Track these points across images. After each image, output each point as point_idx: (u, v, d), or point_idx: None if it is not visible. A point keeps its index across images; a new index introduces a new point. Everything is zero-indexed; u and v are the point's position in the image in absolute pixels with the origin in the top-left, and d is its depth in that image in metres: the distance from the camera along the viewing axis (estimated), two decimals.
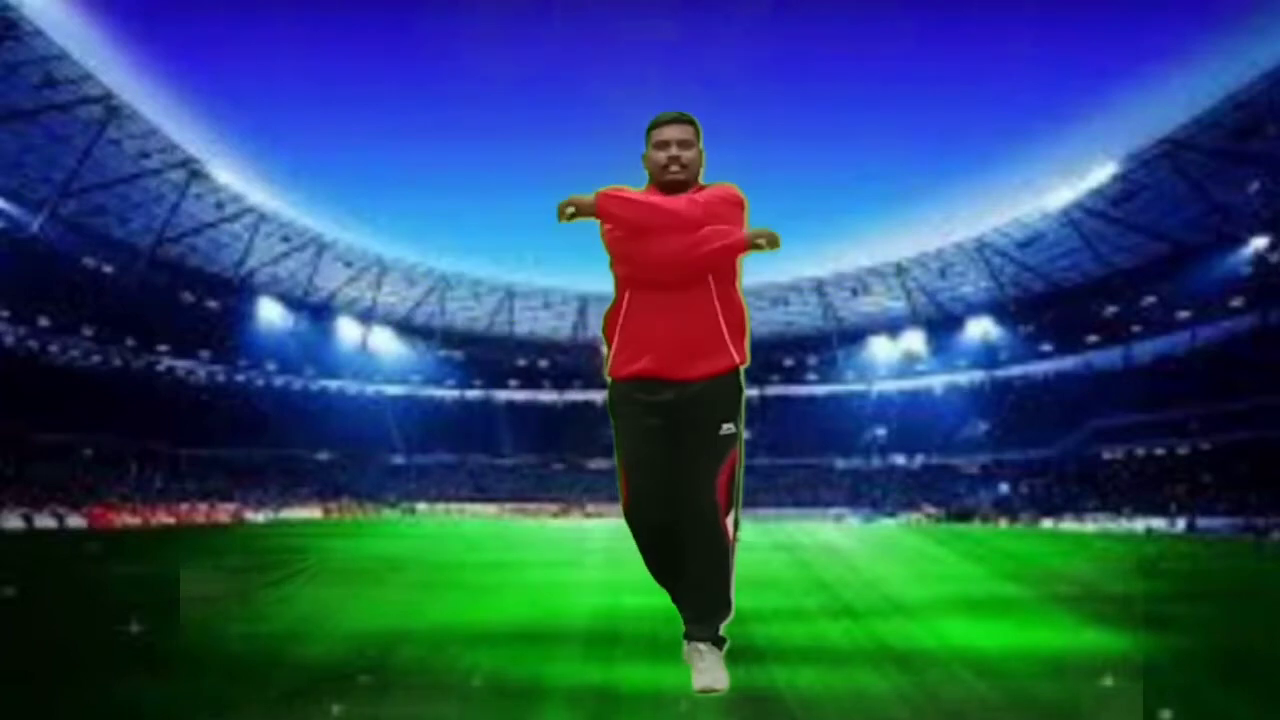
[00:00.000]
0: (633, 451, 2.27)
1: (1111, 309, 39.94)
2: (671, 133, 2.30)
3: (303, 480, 39.91)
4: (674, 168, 2.28)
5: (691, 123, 2.33)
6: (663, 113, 2.33)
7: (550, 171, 59.94)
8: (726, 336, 2.26)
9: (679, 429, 2.24)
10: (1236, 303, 33.91)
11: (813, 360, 52.11)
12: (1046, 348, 43.84)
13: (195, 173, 36.01)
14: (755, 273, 48.92)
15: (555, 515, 40.31)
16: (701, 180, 2.36)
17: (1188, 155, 30.97)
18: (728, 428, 2.25)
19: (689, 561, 2.28)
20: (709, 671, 2.21)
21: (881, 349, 50.39)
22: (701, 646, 2.24)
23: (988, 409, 44.51)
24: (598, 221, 2.22)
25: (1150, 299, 38.03)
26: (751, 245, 2.20)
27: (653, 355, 2.23)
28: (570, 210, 2.15)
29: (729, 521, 2.30)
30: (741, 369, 2.30)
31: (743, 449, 2.32)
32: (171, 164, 35.12)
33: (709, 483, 2.25)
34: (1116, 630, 6.64)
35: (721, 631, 2.31)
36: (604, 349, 2.37)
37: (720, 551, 2.27)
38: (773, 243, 2.18)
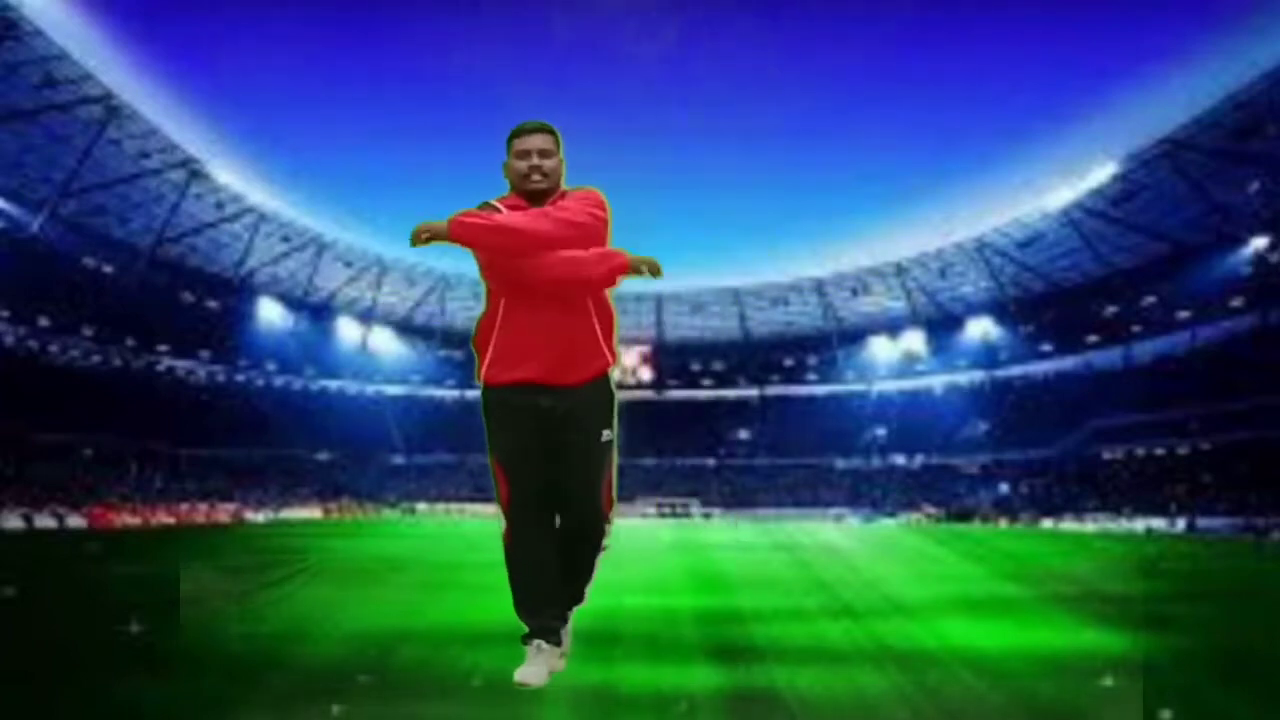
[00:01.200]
0: (513, 455, 2.34)
1: (1111, 309, 39.95)
2: (533, 142, 2.34)
3: (303, 480, 39.91)
4: (535, 176, 2.33)
5: (552, 132, 2.38)
6: (524, 122, 2.38)
7: None
8: (600, 339, 2.33)
9: (560, 435, 2.30)
10: (1236, 303, 33.91)
11: (813, 360, 52.12)
12: (1046, 348, 43.84)
13: (195, 173, 36.02)
14: (755, 273, 49.01)
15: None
16: (564, 185, 2.40)
17: (1188, 155, 30.97)
18: (606, 434, 2.35)
19: (574, 564, 2.42)
20: (529, 667, 2.33)
21: (881, 349, 50.39)
22: (544, 644, 2.35)
23: (988, 409, 44.52)
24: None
25: (1150, 299, 38.04)
26: (634, 271, 2.27)
27: (533, 362, 2.28)
28: (425, 236, 2.17)
29: (608, 529, 2.44)
30: (613, 371, 2.38)
31: (617, 451, 2.42)
32: (171, 164, 35.13)
33: (595, 492, 2.36)
34: (1116, 630, 6.64)
35: (568, 625, 2.50)
36: (476, 356, 2.41)
37: (596, 554, 2.46)
38: (654, 271, 2.28)
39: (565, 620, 2.45)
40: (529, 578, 2.39)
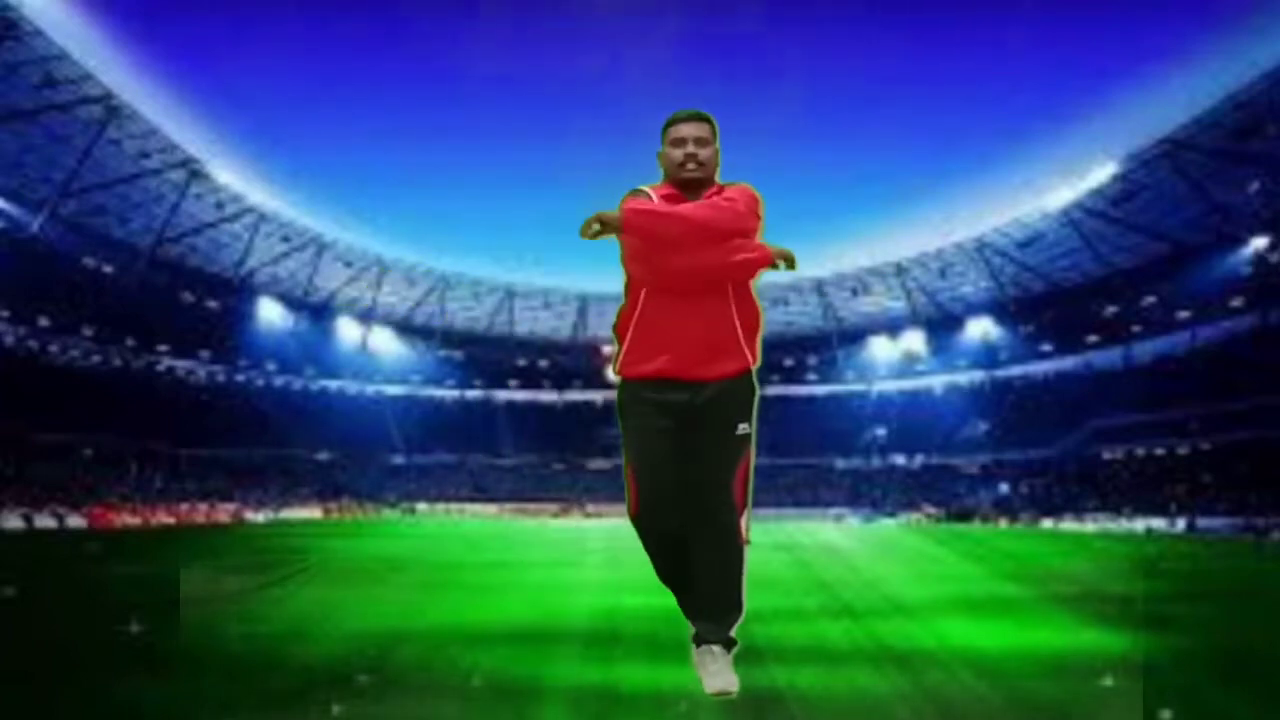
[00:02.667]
0: (644, 453, 2.24)
1: (1111, 309, 39.93)
2: (688, 130, 2.28)
3: (303, 480, 39.91)
4: (690, 165, 2.27)
5: (708, 120, 2.31)
6: (679, 110, 2.31)
7: (550, 171, 60.03)
8: (741, 339, 2.25)
9: (693, 430, 2.21)
10: (1236, 303, 33.90)
11: (813, 360, 52.10)
12: (1046, 348, 43.83)
13: (195, 173, 36.01)
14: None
15: (555, 515, 40.31)
16: (718, 178, 2.34)
17: (1188, 155, 30.97)
18: (743, 427, 2.25)
19: (704, 563, 2.25)
20: (721, 674, 2.17)
21: (881, 349, 50.39)
22: (715, 649, 2.21)
23: (988, 409, 44.51)
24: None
25: (1150, 299, 38.03)
26: (773, 264, 2.21)
27: (668, 356, 2.21)
28: (595, 228, 2.08)
29: (743, 522, 2.29)
30: (754, 369, 2.29)
31: (755, 450, 2.31)
32: (171, 164, 35.12)
33: (727, 483, 2.24)
34: (1116, 630, 6.64)
35: (732, 634, 2.28)
36: (614, 347, 2.33)
37: (735, 553, 2.26)
38: (790, 264, 2.22)
39: (718, 624, 2.25)
40: (671, 584, 2.32)
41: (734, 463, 2.25)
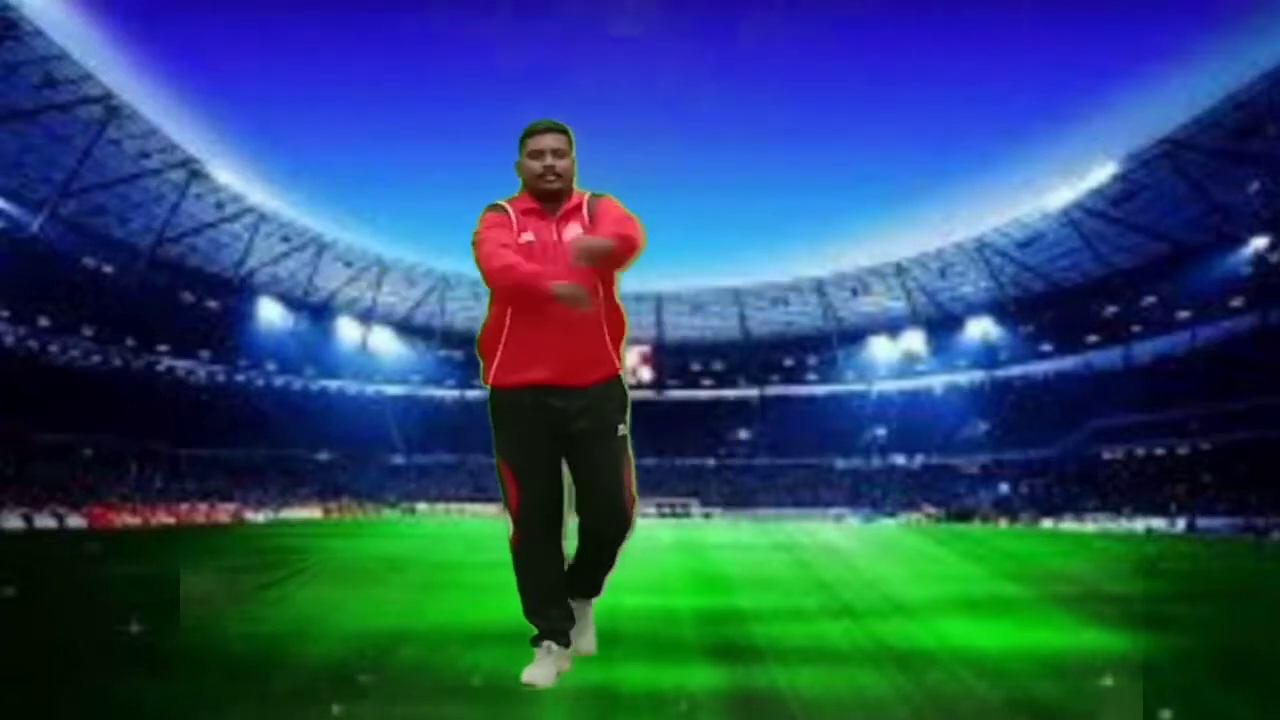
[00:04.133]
0: (523, 458, 2.32)
1: (1111, 309, 39.95)
2: (546, 142, 2.33)
3: (303, 480, 39.91)
4: (550, 176, 2.32)
5: (565, 132, 2.37)
6: (536, 121, 2.37)
7: None
8: (610, 347, 2.33)
9: (575, 431, 2.30)
10: (1236, 303, 33.91)
11: (813, 360, 52.10)
12: (1046, 348, 43.85)
13: (195, 173, 36.02)
14: (755, 273, 49.06)
15: None
16: (575, 186, 2.40)
17: (1188, 155, 30.97)
18: (622, 429, 2.35)
19: (595, 558, 2.42)
20: (539, 666, 2.35)
21: (881, 349, 50.39)
22: (552, 644, 2.37)
23: (988, 409, 44.51)
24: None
25: (1150, 299, 38.04)
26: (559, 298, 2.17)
27: (542, 365, 2.27)
28: (591, 257, 2.12)
29: (632, 519, 2.42)
30: (623, 375, 2.38)
31: (631, 448, 2.41)
32: (171, 164, 35.13)
33: (619, 480, 2.33)
34: (1116, 630, 6.64)
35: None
36: (481, 361, 2.39)
37: (619, 548, 2.43)
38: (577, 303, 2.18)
39: (573, 621, 2.45)
40: (537, 581, 2.39)
41: (620, 460, 2.34)
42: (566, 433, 2.29)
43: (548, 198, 2.34)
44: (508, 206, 2.35)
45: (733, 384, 52.32)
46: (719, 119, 59.39)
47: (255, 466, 38.59)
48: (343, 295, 49.00)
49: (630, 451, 2.39)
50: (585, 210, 2.35)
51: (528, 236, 2.30)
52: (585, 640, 2.52)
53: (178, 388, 41.08)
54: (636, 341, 50.98)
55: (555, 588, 2.41)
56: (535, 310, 2.24)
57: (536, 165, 2.33)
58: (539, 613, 2.39)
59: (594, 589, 2.52)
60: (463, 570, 11.51)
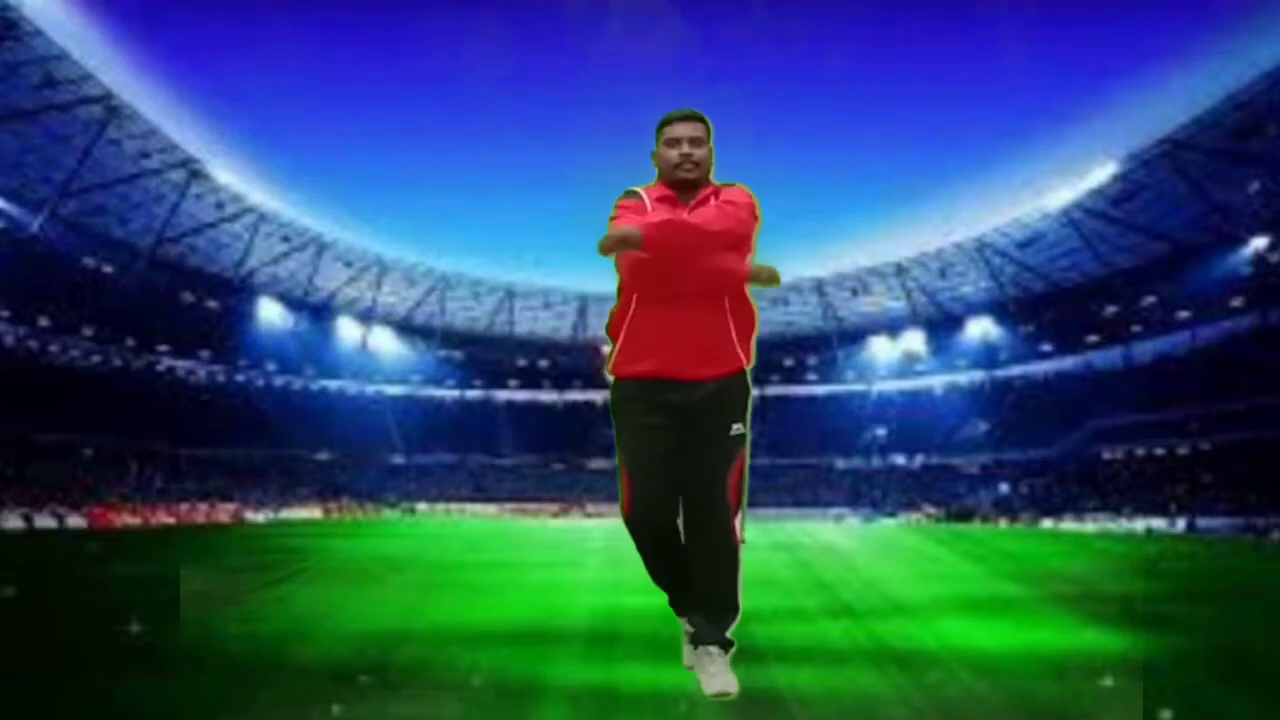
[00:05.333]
0: (637, 452, 2.23)
1: (1111, 309, 39.93)
2: (683, 130, 2.27)
3: (303, 480, 39.90)
4: (686, 166, 2.26)
5: (703, 120, 2.30)
6: (674, 110, 2.30)
7: (550, 171, 60.02)
8: (735, 341, 2.25)
9: (687, 429, 2.22)
10: (1236, 303, 33.90)
11: (813, 360, 52.10)
12: (1046, 348, 43.83)
13: (195, 173, 36.00)
14: None
15: (555, 515, 40.31)
16: (712, 178, 2.33)
17: (1188, 155, 30.96)
18: (737, 428, 2.24)
19: (701, 563, 2.26)
20: (720, 676, 2.18)
21: (881, 349, 50.39)
22: (713, 650, 2.22)
23: (988, 409, 44.51)
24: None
25: (1150, 299, 38.02)
26: (753, 280, 2.21)
27: (660, 356, 2.20)
28: (617, 243, 2.05)
29: (737, 522, 2.28)
30: (748, 370, 2.29)
31: (749, 450, 2.30)
32: (171, 164, 35.12)
33: (720, 483, 2.23)
34: (1116, 630, 6.64)
35: (729, 634, 2.28)
36: (607, 347, 2.33)
37: (731, 553, 2.26)
38: (772, 280, 2.21)
39: (715, 625, 2.27)
40: (664, 584, 2.32)
41: (729, 462, 2.24)
42: (682, 425, 2.21)
43: (683, 187, 2.27)
44: (642, 192, 2.29)
45: None
46: (718, 119, 59.23)
47: (255, 466, 38.59)
48: (343, 295, 48.99)
49: (746, 452, 2.28)
50: (714, 202, 2.27)
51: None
52: (722, 680, 2.19)
53: (178, 388, 41.08)
54: None
55: (685, 581, 2.30)
56: (661, 298, 2.18)
57: (673, 154, 2.26)
58: (680, 608, 2.32)
59: (705, 622, 2.24)
60: (463, 570, 11.51)
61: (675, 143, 2.27)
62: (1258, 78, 27.22)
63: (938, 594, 9.08)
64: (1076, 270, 40.52)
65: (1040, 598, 8.86)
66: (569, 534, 24.12)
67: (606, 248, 2.06)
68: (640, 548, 2.29)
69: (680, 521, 2.27)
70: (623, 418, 2.27)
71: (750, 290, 2.29)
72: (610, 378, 2.31)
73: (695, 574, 2.27)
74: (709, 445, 2.22)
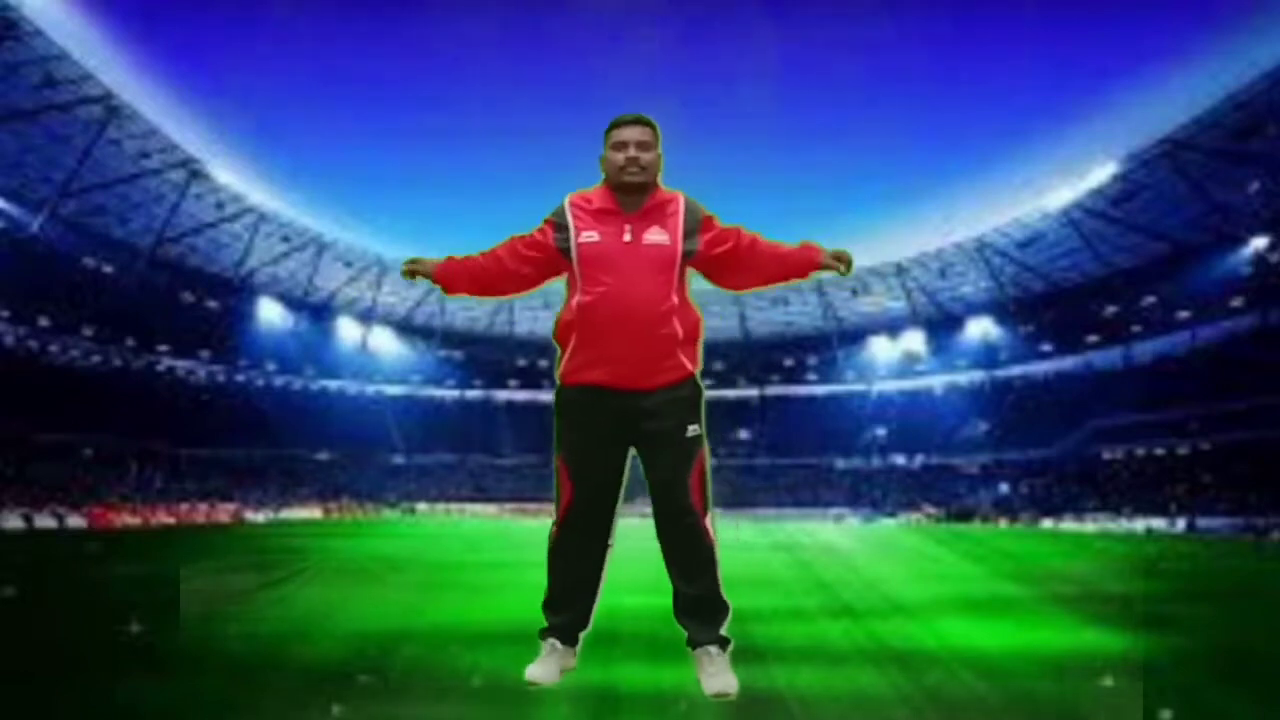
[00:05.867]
0: (582, 459, 2.27)
1: (1111, 309, 39.94)
2: (630, 134, 2.29)
3: (303, 480, 39.91)
4: (632, 169, 2.28)
5: (650, 125, 2.33)
6: (621, 114, 2.33)
7: (550, 171, 59.94)
8: (682, 348, 2.27)
9: (639, 438, 2.25)
10: (1236, 303, 33.90)
11: (813, 360, 52.11)
12: (1046, 348, 43.84)
13: (195, 173, 36.01)
14: None
15: None
16: (660, 182, 2.35)
17: (1188, 155, 30.96)
18: (693, 429, 2.26)
19: (680, 566, 2.30)
20: (719, 675, 2.22)
21: (881, 349, 50.40)
22: (712, 650, 2.25)
23: (988, 409, 44.51)
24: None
25: (1150, 299, 38.03)
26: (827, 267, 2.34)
27: (609, 365, 2.22)
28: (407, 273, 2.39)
29: (708, 523, 2.30)
30: (697, 374, 2.31)
31: (708, 451, 2.32)
32: (171, 164, 35.12)
33: (683, 485, 2.25)
34: (1116, 630, 6.64)
35: (724, 632, 2.30)
36: (557, 351, 2.36)
37: (708, 552, 2.30)
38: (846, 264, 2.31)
39: (586, 625, 2.40)
40: (564, 575, 2.36)
41: (689, 464, 2.26)
42: (634, 435, 2.25)
43: (630, 190, 2.29)
44: (568, 210, 2.31)
45: (733, 384, 52.30)
46: (718, 119, 59.38)
47: (255, 466, 38.60)
48: (343, 295, 49.00)
49: (705, 453, 2.30)
50: (682, 218, 2.29)
51: (589, 236, 2.26)
52: (722, 680, 2.24)
53: (178, 388, 41.08)
54: None
55: (579, 587, 2.36)
56: (607, 304, 2.22)
57: (619, 157, 2.28)
58: (553, 607, 2.36)
59: (697, 624, 2.30)
60: (463, 570, 11.51)
61: (622, 146, 2.28)
62: (1258, 78, 27.21)
63: (938, 594, 9.08)
64: (1076, 270, 40.53)
65: (1040, 598, 8.85)
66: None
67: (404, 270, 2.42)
68: (563, 554, 2.34)
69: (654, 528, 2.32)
70: (569, 424, 2.30)
71: (691, 296, 2.34)
72: (559, 382, 2.33)
73: (678, 577, 2.31)
74: (666, 449, 2.25)
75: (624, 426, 2.24)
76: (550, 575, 2.38)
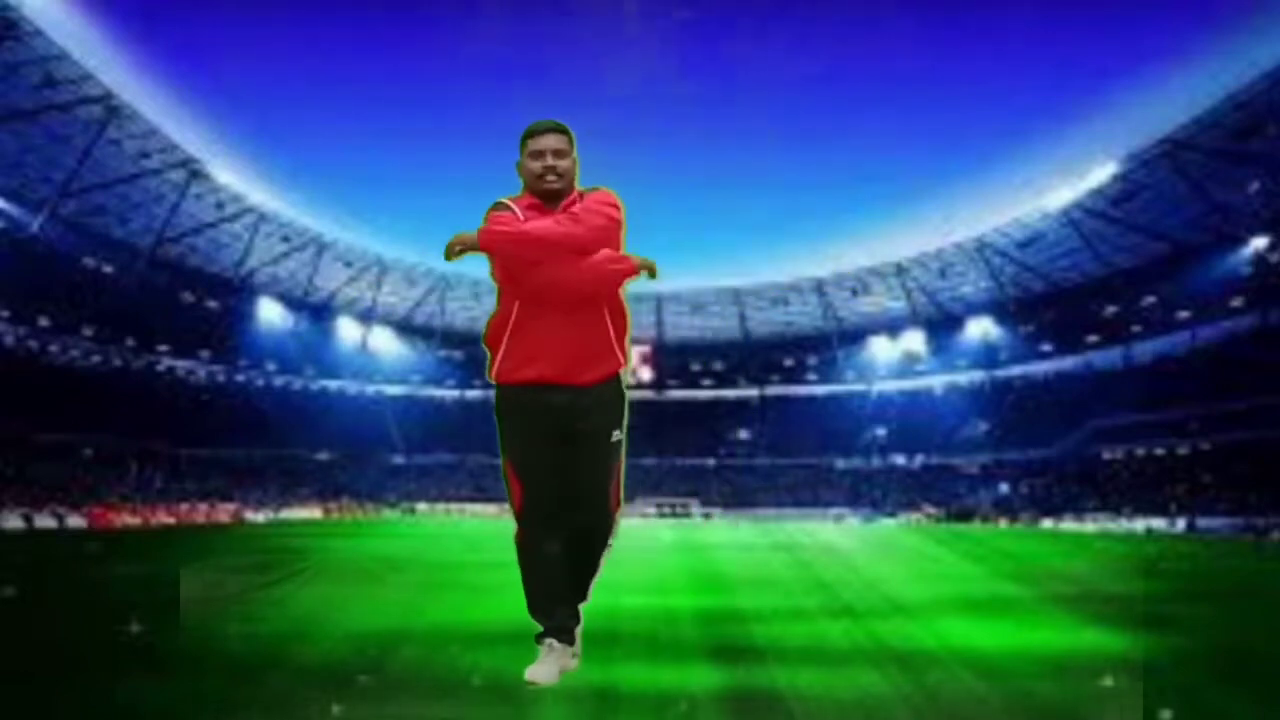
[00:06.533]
0: (527, 455, 2.34)
1: (1111, 309, 39.95)
2: (547, 142, 2.35)
3: (303, 480, 39.91)
4: (550, 177, 2.33)
5: (566, 132, 2.38)
6: (537, 122, 2.38)
7: None
8: (614, 342, 2.34)
9: (571, 433, 2.32)
10: (1236, 303, 33.91)
11: (813, 360, 52.11)
12: (1046, 348, 43.84)
13: (195, 173, 36.01)
14: (755, 273, 49.02)
15: None
16: (577, 185, 2.40)
17: (1188, 155, 30.97)
18: (616, 434, 2.38)
19: (578, 563, 2.43)
20: (542, 665, 2.34)
21: (881, 349, 50.39)
22: (554, 642, 2.36)
23: (988, 409, 44.51)
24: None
25: (1150, 299, 38.03)
26: (636, 274, 2.32)
27: (544, 362, 2.28)
28: (458, 249, 2.23)
29: (613, 536, 2.48)
30: (624, 371, 2.40)
31: (625, 452, 2.44)
32: (171, 164, 35.13)
33: (604, 493, 2.39)
34: (1116, 630, 6.64)
35: (576, 633, 2.48)
36: (488, 354, 2.40)
37: (603, 552, 2.48)
38: (651, 272, 2.33)
39: (578, 619, 2.46)
40: (542, 578, 2.41)
41: (612, 473, 2.40)
42: (567, 431, 2.32)
43: (549, 197, 2.35)
44: (511, 204, 2.37)
45: (733, 384, 52.32)
46: (719, 119, 59.40)
47: (255, 466, 38.59)
48: (343, 295, 49.00)
49: (623, 456, 2.42)
50: (579, 206, 2.35)
51: None
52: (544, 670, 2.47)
53: (178, 388, 41.08)
54: (637, 341, 50.81)
55: (560, 586, 2.42)
56: (540, 306, 2.26)
57: (537, 165, 2.34)
58: (543, 610, 2.40)
59: (578, 593, 2.52)
60: (463, 570, 11.51)
61: (539, 155, 2.34)
62: (1258, 78, 27.23)
63: (938, 594, 9.08)
64: (1076, 270, 40.53)
65: (1040, 598, 8.86)
66: None
67: (448, 251, 2.23)
68: (529, 554, 2.41)
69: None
70: (511, 426, 2.37)
71: (624, 294, 2.38)
72: (494, 383, 2.38)
73: (582, 571, 2.46)
74: (593, 458, 2.36)
75: (561, 421, 2.31)
76: (525, 578, 2.44)
